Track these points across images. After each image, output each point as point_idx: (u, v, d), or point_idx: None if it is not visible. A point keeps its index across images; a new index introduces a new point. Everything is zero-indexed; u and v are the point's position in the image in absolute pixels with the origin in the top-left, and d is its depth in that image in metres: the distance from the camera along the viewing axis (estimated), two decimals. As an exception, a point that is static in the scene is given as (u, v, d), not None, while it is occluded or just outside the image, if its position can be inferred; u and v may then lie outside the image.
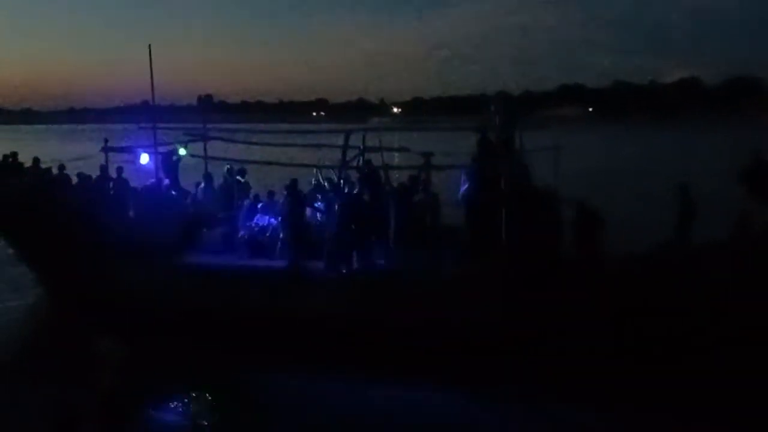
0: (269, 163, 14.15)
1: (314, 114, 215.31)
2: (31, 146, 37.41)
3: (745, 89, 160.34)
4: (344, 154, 12.72)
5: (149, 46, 14.45)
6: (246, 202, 13.82)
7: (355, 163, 13.53)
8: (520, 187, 11.34)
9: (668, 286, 10.44)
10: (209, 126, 15.75)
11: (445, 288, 11.33)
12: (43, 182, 15.02)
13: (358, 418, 9.33)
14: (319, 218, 13.15)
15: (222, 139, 15.71)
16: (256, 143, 16.35)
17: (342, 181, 12.94)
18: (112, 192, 14.70)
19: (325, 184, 13.82)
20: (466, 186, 12.10)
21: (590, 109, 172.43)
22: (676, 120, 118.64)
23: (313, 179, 14.25)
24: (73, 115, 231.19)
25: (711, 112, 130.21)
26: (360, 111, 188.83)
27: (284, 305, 11.78)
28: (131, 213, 13.96)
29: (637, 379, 9.93)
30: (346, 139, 12.80)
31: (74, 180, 15.16)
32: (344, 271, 12.02)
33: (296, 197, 12.76)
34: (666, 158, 42.16)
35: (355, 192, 12.68)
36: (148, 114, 14.89)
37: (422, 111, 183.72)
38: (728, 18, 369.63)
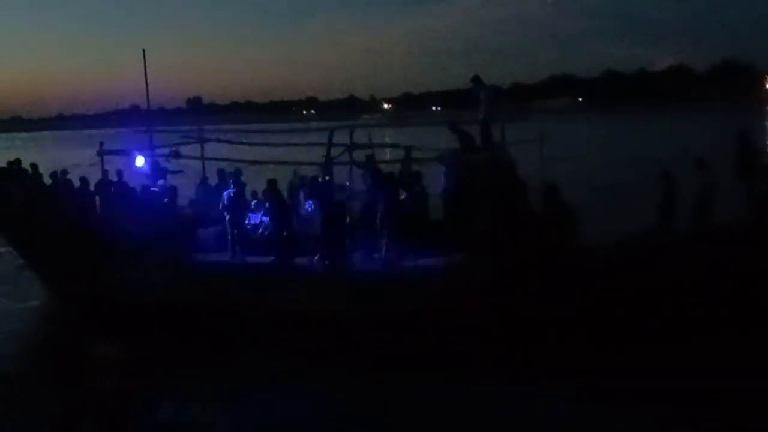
0: (262, 163, 14.38)
1: (304, 112, 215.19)
2: (28, 154, 37.37)
3: (734, 74, 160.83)
4: (328, 151, 12.91)
5: (143, 50, 14.73)
6: (226, 194, 13.71)
7: (342, 159, 13.78)
8: (500, 178, 11.38)
9: (649, 273, 10.51)
10: (203, 128, 15.96)
11: (429, 282, 11.49)
12: (46, 187, 15.25)
13: (348, 413, 9.41)
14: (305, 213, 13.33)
15: (218, 140, 15.94)
16: (250, 143, 16.57)
17: (327, 178, 13.16)
18: (113, 194, 14.93)
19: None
20: (446, 179, 12.26)
21: (580, 100, 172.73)
22: (667, 107, 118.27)
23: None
24: (63, 121, 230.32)
25: (701, 99, 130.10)
26: (350, 108, 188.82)
27: (275, 302, 11.99)
28: (130, 214, 14.14)
29: (624, 367, 10.00)
30: (330, 136, 13.01)
31: (77, 184, 15.39)
32: (333, 266, 12.24)
33: (278, 196, 13.05)
34: (657, 146, 42.30)
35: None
36: (139, 118, 15.13)
37: (412, 106, 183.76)
38: (715, 3, 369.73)
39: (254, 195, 14.62)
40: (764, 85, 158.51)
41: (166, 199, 14.33)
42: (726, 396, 8.98)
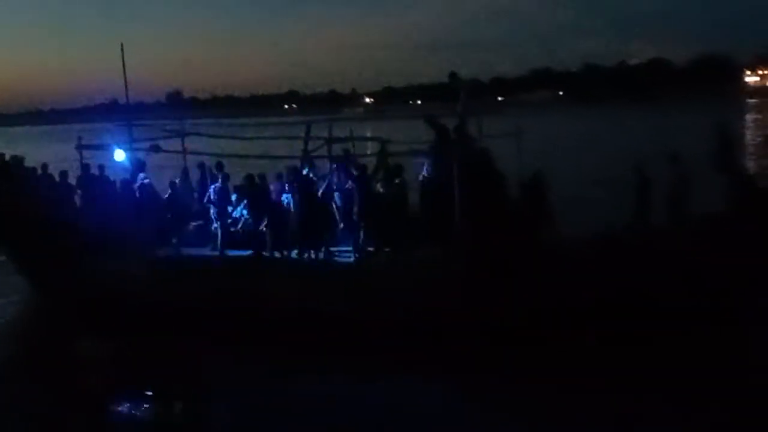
0: (243, 157, 14.33)
1: (285, 106, 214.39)
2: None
3: (713, 67, 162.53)
4: (306, 144, 12.92)
5: (121, 44, 14.64)
6: (212, 188, 13.72)
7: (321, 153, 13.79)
8: (477, 171, 11.41)
9: (624, 267, 10.50)
10: (184, 121, 15.89)
11: (404, 274, 11.49)
12: (27, 183, 15.10)
13: (324, 409, 9.37)
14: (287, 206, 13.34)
15: (199, 134, 15.89)
16: (233, 137, 16.53)
17: (306, 171, 13.19)
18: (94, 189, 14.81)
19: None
20: (423, 171, 12.29)
21: (561, 93, 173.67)
22: (646, 100, 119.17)
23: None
24: (40, 116, 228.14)
25: (681, 91, 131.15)
26: (332, 102, 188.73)
27: (254, 295, 11.97)
28: (111, 208, 14.03)
29: (599, 361, 10.03)
30: (307, 130, 13.03)
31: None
32: (311, 259, 12.30)
33: (256, 190, 13.07)
34: (637, 139, 42.60)
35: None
36: (118, 112, 15.06)
37: (394, 100, 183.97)
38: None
39: (235, 189, 14.59)
40: (742, 78, 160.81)
41: (165, 195, 14.20)
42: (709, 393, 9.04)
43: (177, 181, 14.80)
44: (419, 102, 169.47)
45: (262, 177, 13.44)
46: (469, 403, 9.40)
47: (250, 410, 9.38)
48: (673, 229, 11.24)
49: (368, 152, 16.19)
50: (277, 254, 12.56)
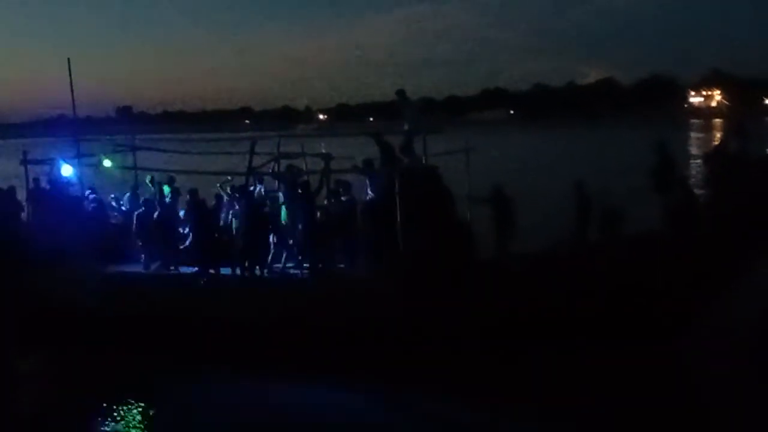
0: (196, 173, 14.25)
1: (238, 122, 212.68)
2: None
3: (659, 88, 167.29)
4: (250, 161, 13.01)
5: (68, 59, 14.48)
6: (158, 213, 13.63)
7: (270, 169, 13.89)
8: (421, 188, 11.54)
9: (562, 283, 10.54)
10: (136, 137, 15.74)
11: (344, 291, 11.63)
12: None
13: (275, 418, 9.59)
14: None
15: (151, 148, 15.74)
16: (185, 152, 16.42)
17: (252, 188, 13.31)
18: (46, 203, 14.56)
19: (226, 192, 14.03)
20: (367, 189, 12.42)
21: (512, 112, 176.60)
22: (594, 119, 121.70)
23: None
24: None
25: (628, 111, 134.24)
26: (285, 118, 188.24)
27: (200, 311, 11.97)
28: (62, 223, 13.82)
29: (537, 377, 10.19)
30: (252, 146, 13.12)
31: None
32: (256, 275, 12.43)
33: (199, 206, 13.12)
34: (583, 157, 43.38)
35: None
36: (67, 127, 14.84)
37: (348, 117, 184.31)
38: (640, 18, 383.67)
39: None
40: (687, 99, 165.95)
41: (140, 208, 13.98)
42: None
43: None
44: (370, 119, 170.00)
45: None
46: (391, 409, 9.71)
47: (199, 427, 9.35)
48: (605, 246, 11.38)
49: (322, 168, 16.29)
50: (223, 271, 12.59)
